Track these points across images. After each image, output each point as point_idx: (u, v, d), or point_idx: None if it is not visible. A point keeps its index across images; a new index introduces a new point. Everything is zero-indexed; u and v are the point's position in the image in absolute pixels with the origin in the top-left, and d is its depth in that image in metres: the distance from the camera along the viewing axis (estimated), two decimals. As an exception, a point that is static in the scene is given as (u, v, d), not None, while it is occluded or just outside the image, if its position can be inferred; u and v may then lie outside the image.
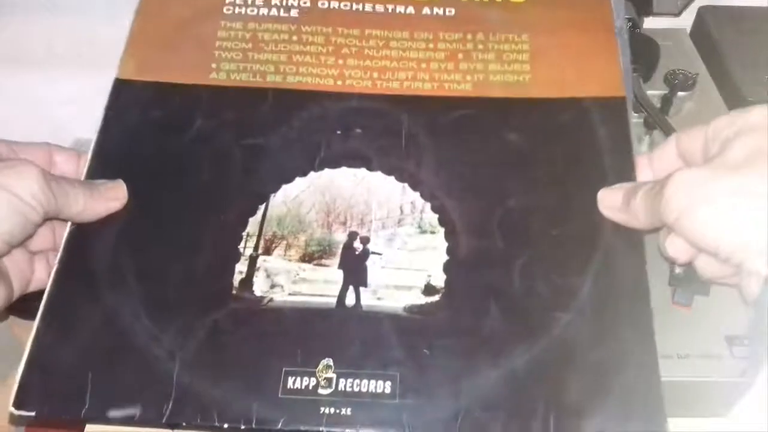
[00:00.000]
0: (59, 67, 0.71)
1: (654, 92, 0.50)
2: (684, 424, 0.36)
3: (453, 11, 0.44)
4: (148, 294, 0.34)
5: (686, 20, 0.58)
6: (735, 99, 0.50)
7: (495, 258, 0.35)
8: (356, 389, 0.31)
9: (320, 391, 0.31)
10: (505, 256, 0.35)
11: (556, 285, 0.34)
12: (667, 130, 0.45)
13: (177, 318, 0.33)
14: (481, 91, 0.40)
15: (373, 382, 0.31)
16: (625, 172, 0.37)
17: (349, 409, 0.31)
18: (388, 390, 0.31)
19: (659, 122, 0.46)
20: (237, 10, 0.44)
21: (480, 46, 0.42)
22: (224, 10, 0.44)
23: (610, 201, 0.35)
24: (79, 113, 0.74)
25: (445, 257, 0.35)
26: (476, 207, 0.36)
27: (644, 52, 0.50)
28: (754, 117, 0.31)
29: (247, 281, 0.35)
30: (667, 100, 0.49)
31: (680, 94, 0.49)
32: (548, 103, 0.40)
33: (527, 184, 0.37)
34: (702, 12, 0.58)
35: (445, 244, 0.35)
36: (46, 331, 0.33)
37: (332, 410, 0.31)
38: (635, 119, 0.48)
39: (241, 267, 0.35)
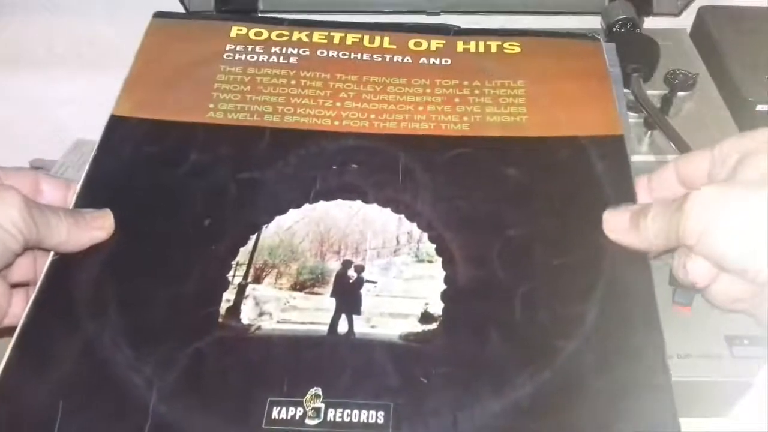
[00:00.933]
0: (59, 67, 0.71)
1: (654, 92, 0.50)
2: (684, 424, 0.36)
3: (449, 61, 0.45)
4: (129, 323, 0.32)
5: (686, 20, 0.58)
6: (735, 99, 0.50)
7: (495, 287, 0.34)
8: (346, 419, 0.30)
9: (307, 421, 0.30)
10: (506, 285, 0.34)
11: (559, 313, 0.33)
12: (667, 130, 0.45)
13: (158, 347, 0.32)
14: (478, 130, 0.41)
15: (364, 412, 0.30)
16: (626, 202, 0.36)
17: None
18: (381, 420, 0.30)
19: (659, 122, 0.46)
20: (237, 56, 0.44)
21: (476, 91, 0.43)
22: (224, 56, 0.44)
23: (616, 222, 0.35)
24: (79, 113, 0.74)
25: (443, 286, 0.34)
26: (475, 237, 0.36)
27: (644, 52, 0.50)
28: (760, 137, 0.31)
29: (235, 309, 0.33)
30: (667, 100, 0.49)
31: (680, 94, 0.49)
32: (546, 141, 0.40)
33: (526, 215, 0.37)
34: (702, 12, 0.58)
35: (443, 273, 0.35)
36: (19, 359, 0.31)
37: None
38: (635, 119, 0.48)
39: (228, 295, 0.34)
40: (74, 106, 0.74)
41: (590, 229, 0.36)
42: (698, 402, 0.38)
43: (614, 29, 0.53)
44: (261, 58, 0.44)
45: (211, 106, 0.41)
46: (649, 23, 0.55)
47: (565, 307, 0.33)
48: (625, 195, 0.37)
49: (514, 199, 0.37)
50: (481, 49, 0.45)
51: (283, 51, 0.45)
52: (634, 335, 0.32)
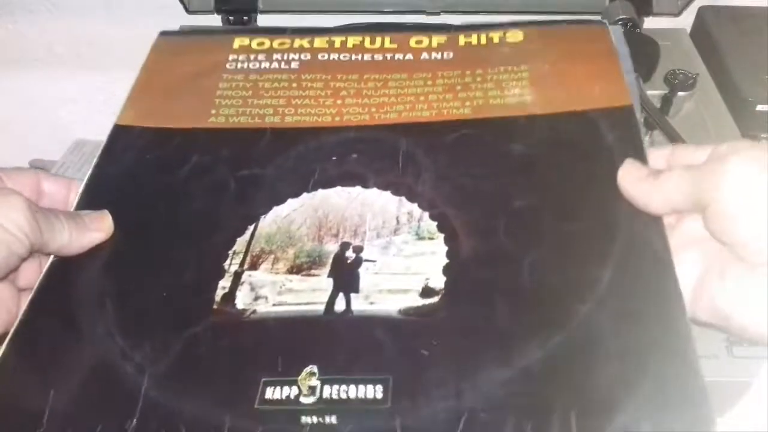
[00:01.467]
0: (59, 67, 0.72)
1: (654, 92, 0.50)
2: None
3: (451, 54, 0.44)
4: (125, 314, 0.33)
5: (686, 20, 0.58)
6: (735, 99, 0.51)
7: (501, 256, 0.33)
8: (343, 396, 0.29)
9: (302, 400, 0.29)
10: (512, 253, 0.33)
11: (571, 277, 0.32)
12: (667, 130, 0.45)
13: (152, 335, 0.32)
14: (481, 113, 0.40)
15: (361, 387, 0.29)
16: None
17: (333, 417, 0.29)
18: (379, 395, 0.29)
19: (659, 122, 0.46)
20: (240, 65, 0.44)
21: (479, 78, 0.42)
22: (227, 66, 0.44)
23: (634, 170, 0.34)
24: (79, 113, 0.74)
25: (444, 260, 0.33)
26: (479, 211, 0.35)
27: (644, 52, 0.50)
28: None
29: (230, 295, 0.33)
30: (667, 100, 0.49)
31: (680, 94, 0.49)
32: (552, 117, 0.39)
33: (534, 187, 0.36)
34: (702, 12, 0.58)
35: (445, 248, 0.34)
36: (14, 353, 0.32)
37: (315, 419, 0.29)
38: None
39: (224, 283, 0.33)
40: (74, 106, 0.74)
41: (602, 195, 0.34)
42: (698, 402, 0.38)
43: (614, 29, 0.53)
44: (263, 65, 0.44)
45: (213, 111, 0.41)
46: (649, 23, 0.55)
47: (577, 270, 0.32)
48: (639, 160, 0.35)
49: (520, 172, 0.37)
50: (483, 41, 0.45)
51: (285, 57, 0.45)
52: (649, 295, 0.31)
